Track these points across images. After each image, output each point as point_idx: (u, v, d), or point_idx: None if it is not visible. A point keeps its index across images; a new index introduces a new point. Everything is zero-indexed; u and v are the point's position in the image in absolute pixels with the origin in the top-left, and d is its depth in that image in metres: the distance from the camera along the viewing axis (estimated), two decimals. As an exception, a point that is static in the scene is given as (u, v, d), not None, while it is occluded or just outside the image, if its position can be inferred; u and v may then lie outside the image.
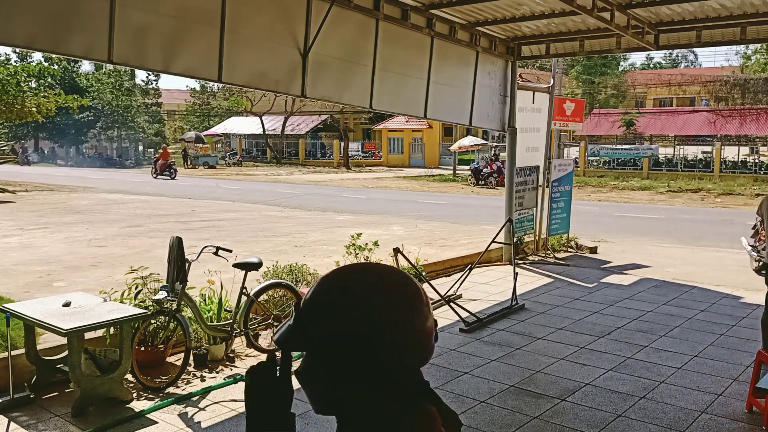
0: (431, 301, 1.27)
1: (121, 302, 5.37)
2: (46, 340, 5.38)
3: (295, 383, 1.14)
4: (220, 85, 40.28)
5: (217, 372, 5.37)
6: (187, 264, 5.26)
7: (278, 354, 1.16)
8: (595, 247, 11.16)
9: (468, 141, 31.01)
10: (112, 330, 5.10)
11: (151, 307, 5.23)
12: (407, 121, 40.59)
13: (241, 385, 5.10)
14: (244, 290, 5.70)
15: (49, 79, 33.20)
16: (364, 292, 1.10)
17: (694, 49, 58.78)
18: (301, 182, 30.39)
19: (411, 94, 8.13)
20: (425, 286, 6.70)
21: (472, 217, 16.46)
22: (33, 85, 24.80)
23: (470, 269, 7.58)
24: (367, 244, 7.42)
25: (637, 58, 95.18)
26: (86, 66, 51.68)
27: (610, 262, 10.22)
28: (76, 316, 4.59)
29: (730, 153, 31.75)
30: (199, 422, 4.45)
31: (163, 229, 13.68)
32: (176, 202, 20.22)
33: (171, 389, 4.94)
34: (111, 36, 4.92)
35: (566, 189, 11.24)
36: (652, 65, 65.52)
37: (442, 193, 25.11)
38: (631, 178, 29.57)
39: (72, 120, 45.20)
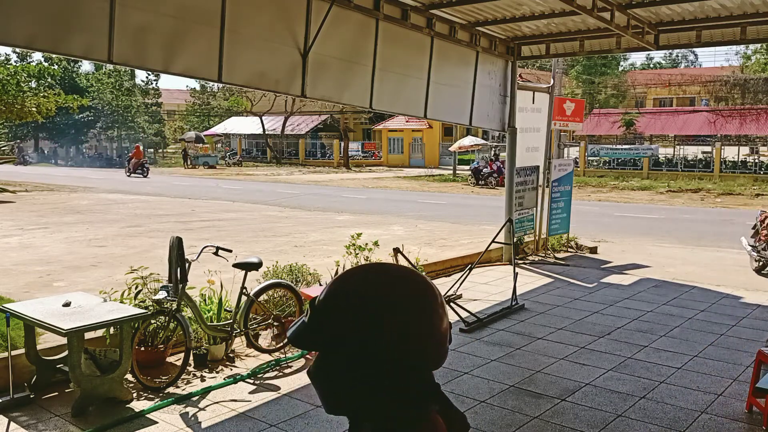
0: None
1: (121, 302, 5.37)
2: (46, 340, 5.38)
3: (307, 380, 1.14)
4: (220, 85, 40.30)
5: (217, 372, 5.37)
6: (187, 264, 5.26)
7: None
8: (595, 247, 11.16)
9: (468, 141, 31.00)
10: (112, 330, 5.09)
11: (151, 307, 5.22)
12: (407, 121, 40.59)
13: (242, 385, 5.11)
14: (244, 290, 5.70)
15: (49, 79, 33.19)
16: (379, 293, 1.09)
17: (694, 49, 58.83)
18: (301, 182, 30.39)
19: (411, 94, 8.13)
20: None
21: (472, 217, 16.46)
22: (33, 85, 24.79)
23: (470, 269, 7.57)
24: (367, 244, 7.42)
25: (637, 58, 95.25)
26: (86, 66, 51.78)
27: (610, 262, 10.22)
28: (76, 316, 4.59)
29: (730, 153, 31.74)
30: (199, 422, 4.45)
31: (163, 229, 13.68)
32: (176, 202, 20.22)
33: (171, 389, 4.94)
34: (111, 36, 4.92)
35: (566, 189, 11.24)
36: (652, 65, 65.54)
37: (442, 193, 25.11)
38: (631, 178, 29.57)
39: (72, 120, 45.22)
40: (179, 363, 5.21)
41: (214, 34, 5.70)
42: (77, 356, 4.45)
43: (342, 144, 42.19)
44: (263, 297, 6.01)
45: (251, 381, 5.19)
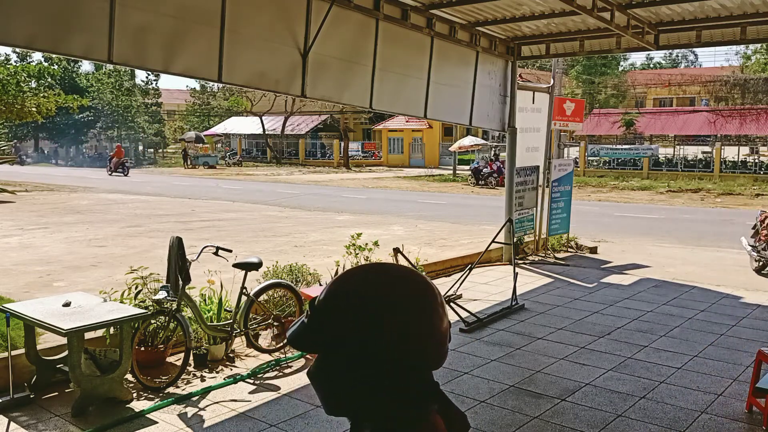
0: None
1: (121, 302, 5.37)
2: (46, 340, 5.38)
3: (307, 381, 1.13)
4: (220, 85, 40.30)
5: (217, 372, 5.37)
6: (188, 264, 5.26)
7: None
8: (595, 247, 11.16)
9: (468, 141, 31.00)
10: (112, 330, 5.10)
11: (151, 307, 5.22)
12: (407, 121, 40.58)
13: (242, 385, 5.11)
14: (244, 290, 5.70)
15: (49, 79, 33.16)
16: (379, 293, 1.09)
17: (694, 49, 58.84)
18: (301, 182, 30.39)
19: (411, 94, 8.13)
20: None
21: (472, 217, 16.46)
22: (33, 85, 24.76)
23: (470, 269, 7.57)
24: (367, 244, 7.42)
25: (637, 58, 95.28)
26: (86, 66, 51.77)
27: (610, 262, 10.22)
28: (76, 316, 4.59)
29: (730, 153, 31.74)
30: (199, 422, 4.45)
31: (163, 229, 13.68)
32: (176, 202, 20.22)
33: (171, 389, 4.94)
34: (111, 36, 4.92)
35: (566, 189, 11.24)
36: (652, 65, 65.54)
37: (442, 193, 25.10)
38: (631, 178, 29.56)
39: (72, 120, 45.21)
40: (179, 363, 5.21)
41: (214, 34, 5.70)
42: (77, 356, 4.45)
43: (342, 144, 42.18)
44: (263, 297, 6.01)
45: (251, 381, 5.19)
